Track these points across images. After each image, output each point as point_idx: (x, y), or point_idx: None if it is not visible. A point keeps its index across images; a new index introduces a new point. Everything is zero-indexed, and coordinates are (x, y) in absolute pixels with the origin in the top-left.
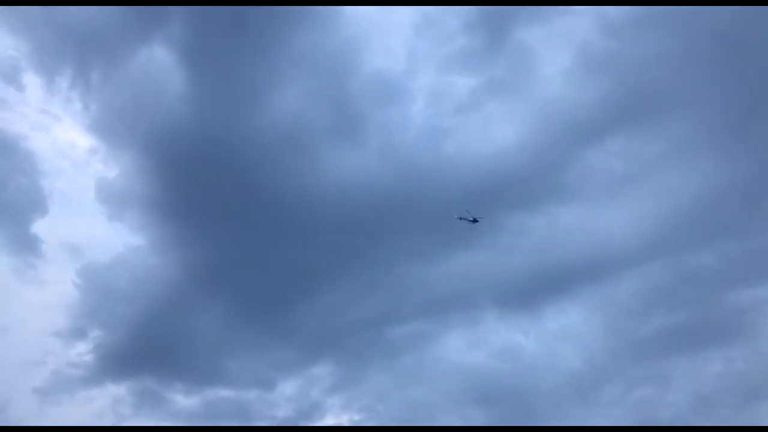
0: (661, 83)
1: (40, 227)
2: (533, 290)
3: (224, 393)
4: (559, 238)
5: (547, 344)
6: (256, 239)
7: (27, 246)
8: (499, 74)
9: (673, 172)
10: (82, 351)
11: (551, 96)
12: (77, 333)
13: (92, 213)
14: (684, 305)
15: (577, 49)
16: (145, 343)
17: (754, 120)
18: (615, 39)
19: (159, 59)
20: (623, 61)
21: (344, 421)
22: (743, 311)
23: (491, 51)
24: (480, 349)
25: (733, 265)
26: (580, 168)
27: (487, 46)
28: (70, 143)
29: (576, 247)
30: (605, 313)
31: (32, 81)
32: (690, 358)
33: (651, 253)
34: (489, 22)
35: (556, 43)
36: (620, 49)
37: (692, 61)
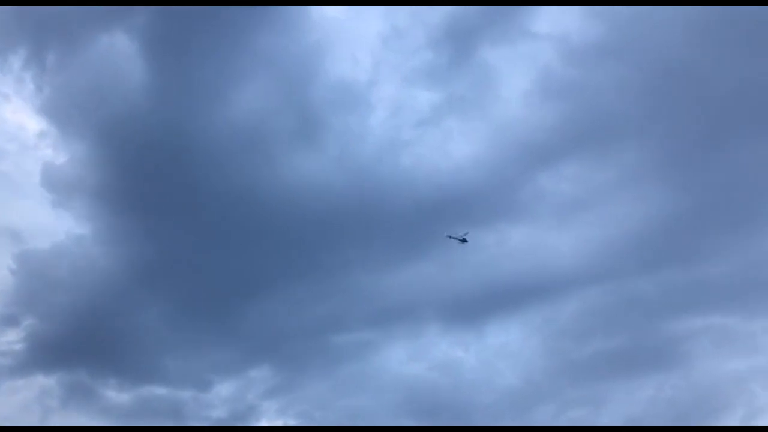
0: (616, 112)
1: None
2: (477, 306)
3: (159, 391)
4: (508, 257)
5: (487, 360)
6: (205, 238)
7: None
8: (460, 91)
9: (621, 199)
10: (12, 339)
11: (510, 117)
12: (8, 320)
13: (36, 198)
14: (622, 330)
15: (538, 73)
16: (81, 336)
17: (701, 154)
18: (575, 66)
19: (120, 46)
20: (581, 88)
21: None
22: (678, 340)
23: (455, 68)
24: (421, 361)
25: (672, 294)
26: (532, 189)
27: (452, 62)
28: (18, 125)
29: (523, 267)
30: (545, 333)
31: None
32: (624, 382)
33: (594, 278)
34: (455, 38)
35: (519, 66)
36: (579, 77)
37: (647, 92)
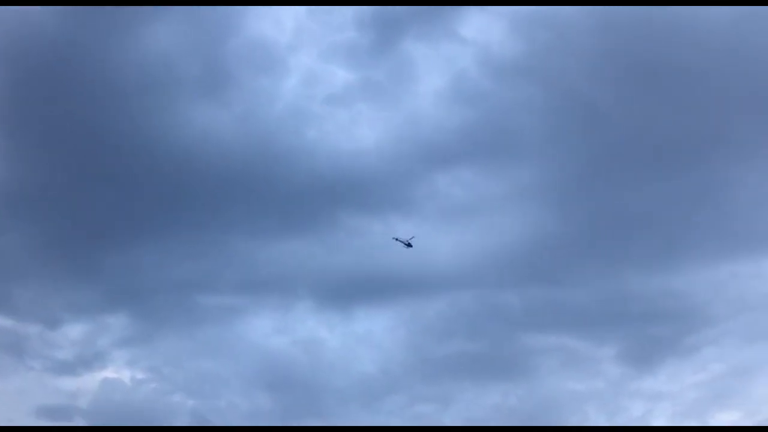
0: (518, 129)
1: None
2: (351, 290)
3: (1, 321)
4: (389, 248)
5: (349, 345)
6: (87, 173)
7: None
8: (376, 77)
9: (506, 213)
10: None
11: (419, 113)
12: None
13: None
14: (481, 336)
15: (454, 77)
16: None
17: (587, 184)
18: (490, 77)
19: None
20: (491, 99)
21: (125, 376)
22: (530, 354)
23: (376, 53)
24: (285, 335)
25: (533, 311)
26: (426, 187)
27: (374, 46)
28: None
29: (401, 260)
30: (410, 327)
31: None
32: (474, 385)
33: (465, 283)
34: (382, 24)
35: (437, 65)
36: (491, 88)
37: (550, 116)
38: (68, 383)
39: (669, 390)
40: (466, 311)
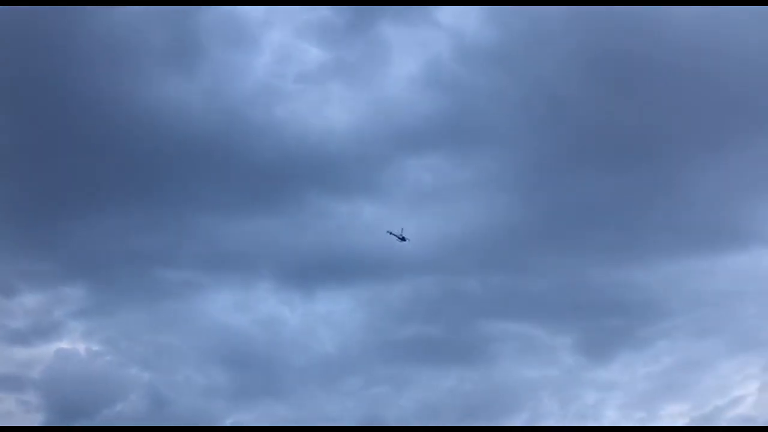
0: (488, 118)
1: None
2: (313, 270)
3: None
4: (354, 229)
5: (310, 325)
6: (48, 139)
7: None
8: (350, 58)
9: (472, 200)
10: None
11: (391, 96)
12: None
13: None
14: (441, 321)
15: (428, 62)
16: None
17: (553, 176)
18: (464, 64)
19: None
20: (463, 87)
21: (80, 348)
22: (488, 340)
23: (351, 33)
24: (245, 312)
25: (493, 298)
26: (394, 171)
27: (349, 26)
28: None
29: (366, 242)
30: (371, 309)
31: None
32: (431, 369)
33: (428, 267)
34: (358, 4)
35: (412, 50)
36: (464, 75)
37: (520, 107)
38: (22, 353)
39: (621, 380)
40: (427, 296)
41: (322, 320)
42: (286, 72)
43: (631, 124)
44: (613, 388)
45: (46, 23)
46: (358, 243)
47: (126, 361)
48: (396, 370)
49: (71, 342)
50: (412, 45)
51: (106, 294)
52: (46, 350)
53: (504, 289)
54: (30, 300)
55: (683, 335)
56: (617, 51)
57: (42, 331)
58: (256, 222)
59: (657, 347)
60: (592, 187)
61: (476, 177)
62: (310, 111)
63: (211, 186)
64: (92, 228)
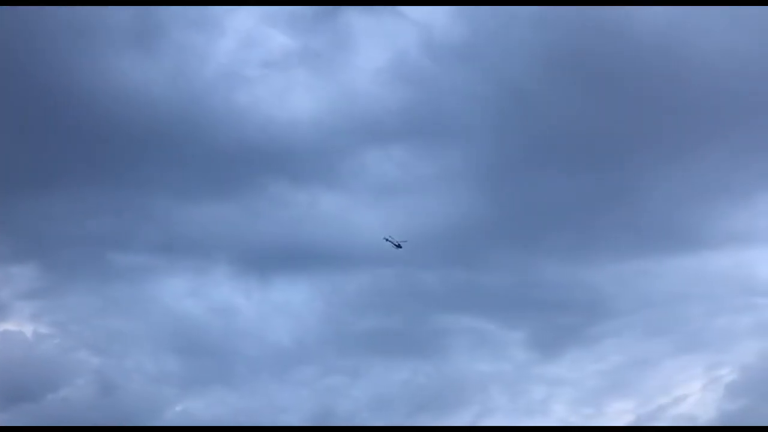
0: (453, 113)
1: None
2: (271, 259)
3: None
4: (313, 219)
5: (265, 313)
6: (5, 118)
7: None
8: (316, 46)
9: (434, 194)
10: None
11: (356, 87)
12: None
13: None
14: (397, 314)
15: (395, 54)
16: None
17: (516, 173)
18: (430, 58)
19: None
20: (429, 81)
21: (27, 330)
22: (442, 334)
23: (318, 21)
24: (199, 299)
25: (450, 292)
26: (356, 163)
27: (316, 14)
28: None
29: (325, 232)
30: (328, 300)
31: None
32: (385, 361)
33: (387, 260)
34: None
35: (379, 41)
36: (431, 69)
37: (486, 103)
38: None
39: (570, 377)
40: (384, 288)
41: (277, 309)
42: (250, 58)
43: (594, 126)
44: (562, 384)
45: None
46: (317, 233)
47: (74, 345)
48: (350, 361)
49: (18, 324)
50: (380, 37)
51: (56, 276)
52: None
53: (461, 284)
54: None
55: (631, 334)
56: (584, 52)
57: None
58: (214, 208)
59: (606, 345)
60: (552, 187)
61: (438, 172)
62: (273, 98)
63: (168, 169)
64: (45, 208)
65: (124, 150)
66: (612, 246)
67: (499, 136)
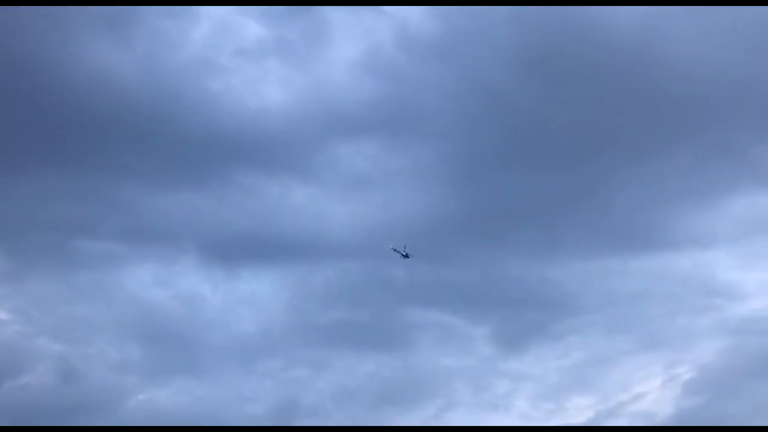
0: (426, 109)
1: None
2: (239, 249)
3: None
4: (283, 211)
5: (231, 304)
6: None
7: None
8: (291, 36)
9: (404, 189)
10: None
11: (329, 79)
12: None
13: None
14: (364, 307)
15: (370, 47)
16: None
17: (486, 170)
18: (405, 53)
19: None
20: (403, 76)
21: None
22: (409, 328)
23: (293, 11)
24: (165, 288)
25: (417, 286)
26: (328, 155)
27: (291, 5)
28: None
29: (294, 224)
30: (295, 291)
31: None
32: (351, 353)
33: (356, 253)
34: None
35: (354, 34)
36: (405, 64)
37: (459, 100)
38: None
39: (533, 372)
40: (352, 281)
41: (244, 300)
42: (224, 45)
43: (563, 126)
44: (525, 379)
45: None
46: (285, 224)
47: (36, 332)
48: (316, 353)
49: None
50: (356, 29)
51: (18, 261)
52: None
53: (428, 278)
54: None
55: (594, 332)
56: (555, 53)
57: None
58: (181, 196)
59: (568, 342)
60: (521, 185)
61: (408, 166)
62: (245, 87)
63: (137, 156)
64: (7, 192)
65: (93, 135)
66: (577, 245)
67: (470, 133)
